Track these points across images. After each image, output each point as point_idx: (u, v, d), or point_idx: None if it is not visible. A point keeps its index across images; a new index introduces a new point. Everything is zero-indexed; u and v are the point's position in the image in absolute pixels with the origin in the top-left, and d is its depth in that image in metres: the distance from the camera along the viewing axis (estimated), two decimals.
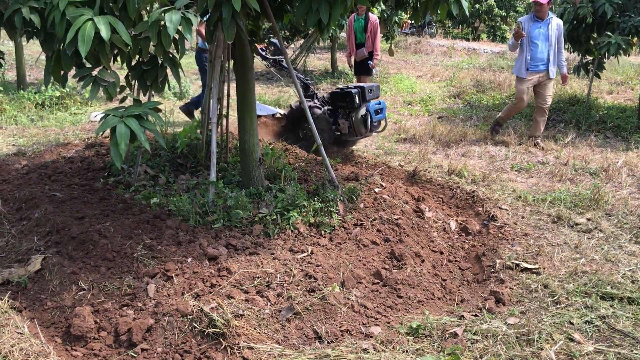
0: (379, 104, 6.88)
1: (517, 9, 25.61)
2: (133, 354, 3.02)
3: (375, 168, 6.31)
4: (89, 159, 6.03)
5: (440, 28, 27.41)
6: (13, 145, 6.89)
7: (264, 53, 7.69)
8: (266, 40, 7.90)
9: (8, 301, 3.35)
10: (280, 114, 7.62)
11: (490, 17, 25.41)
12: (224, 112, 5.55)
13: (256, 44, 6.91)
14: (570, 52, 10.01)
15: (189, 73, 13.75)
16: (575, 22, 8.66)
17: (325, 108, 6.80)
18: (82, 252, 3.87)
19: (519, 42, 7.50)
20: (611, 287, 3.71)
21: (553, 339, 3.12)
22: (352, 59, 9.96)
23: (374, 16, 9.96)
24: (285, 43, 14.20)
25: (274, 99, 10.59)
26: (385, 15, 13.88)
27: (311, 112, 6.49)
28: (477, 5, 25.11)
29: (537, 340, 3.10)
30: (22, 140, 7.08)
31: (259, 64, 15.20)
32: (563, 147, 7.43)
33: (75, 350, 3.07)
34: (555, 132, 8.40)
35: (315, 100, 7.02)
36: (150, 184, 5.12)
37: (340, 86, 6.94)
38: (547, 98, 7.73)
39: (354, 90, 6.64)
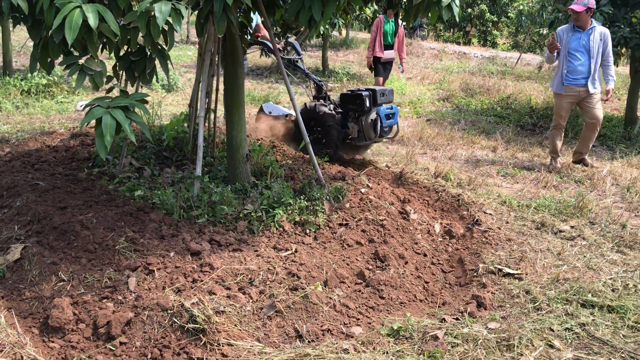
0: (391, 108, 6.58)
1: (509, 14, 25.77)
2: (111, 347, 2.99)
3: (362, 168, 6.30)
4: (73, 148, 5.96)
5: (431, 31, 27.50)
6: None
7: (281, 54, 7.57)
8: (284, 40, 7.62)
9: None
10: (293, 115, 7.32)
11: (481, 21, 25.55)
12: (212, 106, 5.52)
13: (268, 42, 6.84)
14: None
15: (177, 65, 13.68)
16: None
17: (333, 109, 6.59)
18: (63, 242, 3.82)
19: (556, 54, 6.82)
20: (592, 295, 3.74)
21: (533, 345, 3.13)
22: (370, 59, 10.06)
23: (399, 21, 10.04)
24: (276, 40, 14.17)
25: (263, 94, 10.56)
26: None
27: (320, 113, 6.49)
28: (469, 10, 25.24)
29: (517, 346, 3.11)
30: (6, 127, 6.99)
31: (249, 59, 15.15)
32: (549, 154, 7.46)
33: (53, 342, 3.03)
34: (542, 138, 8.45)
35: (326, 102, 6.78)
36: (135, 176, 5.07)
37: (351, 88, 6.68)
38: (595, 113, 6.86)
39: (364, 93, 6.40)
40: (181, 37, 19.68)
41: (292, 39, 7.42)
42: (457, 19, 4.50)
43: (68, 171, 5.25)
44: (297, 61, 7.06)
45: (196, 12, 3.81)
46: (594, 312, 3.57)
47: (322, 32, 12.47)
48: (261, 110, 7.68)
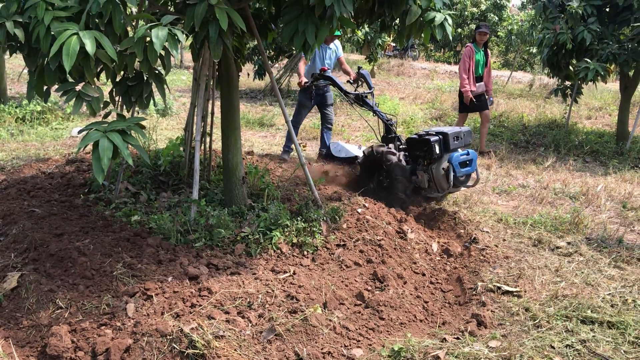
0: (467, 154, 5.59)
1: (498, 33, 26.06)
2: None
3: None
4: (69, 174, 5.95)
5: (422, 51, 27.77)
6: None
7: (352, 87, 6.81)
8: (356, 72, 6.85)
9: None
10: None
11: (471, 41, 25.80)
12: (208, 130, 5.54)
13: (329, 76, 6.52)
14: (550, 77, 10.20)
15: (172, 90, 13.73)
16: (555, 47, 8.83)
17: (401, 155, 5.75)
18: (60, 269, 3.80)
19: None
20: (591, 311, 3.74)
21: None
22: (469, 93, 8.61)
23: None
24: (270, 62, 14.27)
25: (257, 117, 10.60)
26: (369, 37, 14.02)
27: (387, 163, 5.64)
28: (459, 30, 25.53)
29: None
30: (1, 155, 6.98)
31: (243, 82, 15.23)
32: (543, 171, 7.51)
33: None
34: (535, 155, 8.51)
35: (391, 146, 5.96)
36: (131, 201, 5.06)
37: (419, 132, 5.86)
38: None
39: (433, 138, 5.51)
40: (175, 62, 19.79)
41: (363, 70, 6.69)
42: (451, 38, 4.55)
43: (64, 197, 5.24)
44: (366, 96, 6.33)
45: (191, 37, 3.84)
46: (594, 328, 3.57)
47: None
48: (328, 151, 6.96)
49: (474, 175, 5.84)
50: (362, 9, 4.55)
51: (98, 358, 3.04)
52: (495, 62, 27.39)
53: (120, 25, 3.28)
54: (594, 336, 3.47)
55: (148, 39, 3.22)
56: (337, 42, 7.77)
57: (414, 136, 5.75)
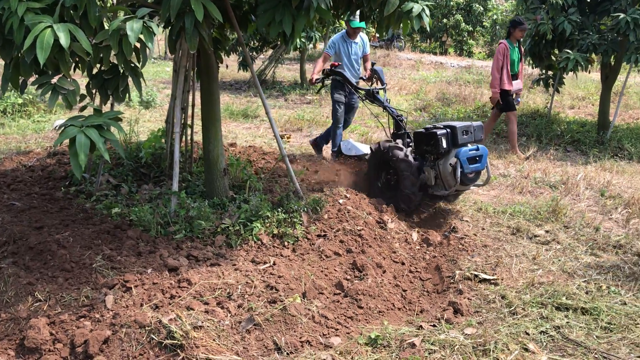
0: (477, 149, 5.25)
1: (484, 23, 26.14)
2: None
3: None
4: (50, 167, 5.93)
5: (408, 42, 27.79)
6: None
7: (369, 83, 6.67)
8: (370, 68, 6.71)
9: None
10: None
11: (457, 31, 25.87)
12: (189, 121, 5.54)
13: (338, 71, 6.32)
14: (532, 67, 10.27)
15: (156, 82, 13.67)
16: (536, 38, 8.88)
17: (409, 150, 5.52)
18: (39, 262, 3.80)
19: None
20: (566, 298, 3.80)
21: (509, 349, 3.18)
22: (498, 94, 8.08)
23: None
24: (254, 54, 14.23)
25: (241, 108, 10.59)
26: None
27: (394, 158, 5.45)
28: (445, 20, 25.56)
29: (493, 351, 3.15)
30: None
31: (227, 73, 15.19)
32: (524, 160, 7.58)
33: None
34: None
35: (400, 142, 5.76)
36: (112, 194, 5.06)
37: (428, 126, 5.56)
38: None
39: (440, 132, 5.22)
40: (159, 54, 19.68)
41: (377, 67, 6.58)
42: (429, 28, 4.58)
43: (45, 190, 5.22)
44: (377, 92, 6.17)
45: (169, 29, 3.84)
46: (568, 315, 3.64)
47: (299, 46, 12.55)
48: (339, 149, 6.82)
49: (484, 173, 5.49)
50: None
51: (77, 350, 3.05)
52: (480, 52, 27.48)
53: (95, 17, 3.27)
54: (567, 322, 3.53)
55: (123, 31, 3.21)
56: (364, 36, 7.41)
57: (421, 130, 5.49)
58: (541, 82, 9.97)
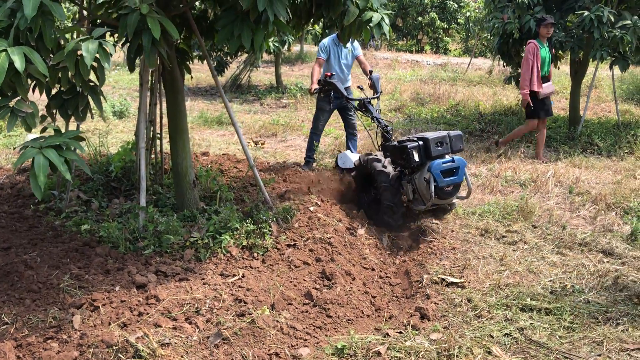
0: (452, 161, 5.03)
1: (459, 20, 26.33)
2: None
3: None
4: (19, 184, 5.89)
5: (384, 41, 27.89)
6: None
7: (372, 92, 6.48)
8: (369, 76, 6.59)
9: None
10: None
11: (432, 29, 26.04)
12: (158, 133, 5.53)
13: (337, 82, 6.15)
14: (503, 66, 10.38)
15: (130, 90, 13.59)
16: (504, 36, 8.98)
17: (387, 161, 5.40)
18: (6, 284, 3.79)
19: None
20: (531, 299, 3.87)
21: (472, 354, 3.24)
22: (527, 96, 7.69)
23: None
24: (228, 58, 14.21)
25: (215, 115, 10.58)
26: (326, 30, 14.05)
27: (370, 166, 5.39)
28: (420, 18, 25.71)
29: (457, 356, 3.21)
30: None
31: (203, 78, 15.15)
32: (495, 159, 7.67)
33: None
34: (489, 144, 8.67)
35: (380, 154, 5.58)
36: (82, 210, 5.05)
37: (401, 138, 5.40)
38: None
39: (410, 145, 5.01)
40: (108, 64, 19.49)
41: (374, 74, 6.46)
42: (388, 37, 4.63)
43: (13, 209, 5.19)
44: (369, 101, 6.01)
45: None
46: (532, 316, 3.71)
47: (272, 50, 12.56)
48: (336, 162, 6.60)
49: (465, 186, 5.30)
50: (301, 10, 4.60)
51: None
52: (456, 49, 27.69)
53: (51, 39, 3.27)
54: (531, 323, 3.60)
55: (79, 52, 3.22)
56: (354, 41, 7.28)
57: (394, 143, 5.28)
58: (512, 80, 10.08)
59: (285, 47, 13.63)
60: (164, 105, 5.37)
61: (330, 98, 6.76)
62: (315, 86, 6.74)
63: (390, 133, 5.61)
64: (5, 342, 3.19)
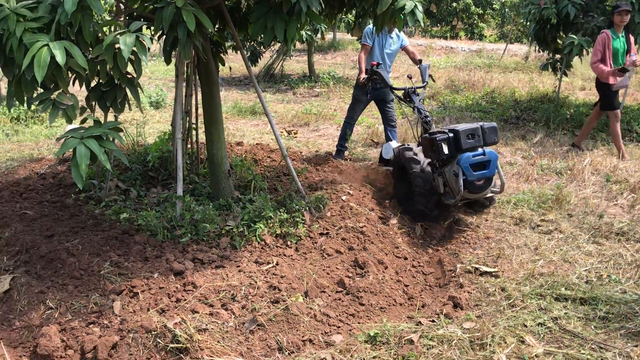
0: (483, 154, 4.85)
1: (494, 6, 25.88)
2: None
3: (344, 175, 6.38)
4: (61, 174, 6.07)
5: (418, 28, 27.59)
6: None
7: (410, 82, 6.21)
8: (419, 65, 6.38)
9: None
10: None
11: (467, 15, 25.66)
12: (194, 124, 5.63)
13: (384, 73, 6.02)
14: (539, 52, 10.20)
15: (166, 81, 13.79)
16: (541, 22, 8.82)
17: (426, 163, 5.23)
18: (50, 270, 3.93)
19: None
20: (565, 289, 3.84)
21: (505, 342, 3.24)
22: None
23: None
24: (261, 48, 14.28)
25: (249, 105, 10.67)
26: (359, 19, 13.99)
27: (402, 160, 5.35)
28: (454, 4, 25.34)
29: (489, 344, 3.21)
30: None
31: (237, 69, 15.27)
32: (531, 147, 7.57)
33: None
34: (525, 131, 8.56)
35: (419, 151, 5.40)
36: (121, 199, 5.18)
37: (433, 129, 5.23)
38: None
39: (440, 137, 4.90)
40: (145, 57, 19.73)
41: (423, 64, 6.30)
42: (422, 24, 4.60)
43: (55, 198, 5.36)
44: (414, 91, 5.84)
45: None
46: (567, 306, 3.68)
47: (305, 39, 12.57)
48: (381, 154, 6.45)
49: (497, 180, 5.11)
50: (333, 0, 4.61)
51: (86, 356, 3.18)
52: (492, 34, 27.23)
53: (89, 33, 3.36)
54: (566, 313, 3.58)
55: (117, 45, 3.31)
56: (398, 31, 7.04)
57: (425, 135, 5.15)
58: (549, 67, 9.91)
59: (318, 35, 13.63)
60: (199, 96, 5.46)
61: (368, 89, 6.65)
62: (364, 76, 6.56)
63: (429, 124, 5.47)
64: (51, 326, 3.33)
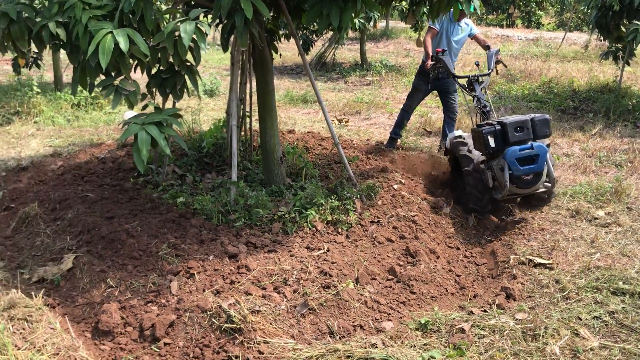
0: (530, 148, 4.65)
1: None
2: (156, 348, 3.21)
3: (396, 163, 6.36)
4: (120, 159, 6.28)
5: (473, 15, 27.05)
6: (50, 146, 7.20)
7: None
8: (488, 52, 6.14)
9: (42, 298, 3.59)
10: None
11: (524, 2, 24.99)
12: (248, 112, 5.72)
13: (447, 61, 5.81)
14: (600, 40, 9.86)
15: (219, 69, 14.01)
16: (603, 9, 8.52)
17: (479, 160, 5.09)
18: (110, 251, 4.10)
19: None
20: (623, 283, 3.75)
21: (559, 334, 3.20)
22: None
23: None
24: (314, 36, 14.31)
25: (301, 94, 10.73)
26: (413, 7, 13.82)
27: (458, 151, 5.23)
28: None
29: (542, 336, 3.18)
30: (59, 141, 7.39)
31: (289, 57, 15.37)
32: (589, 138, 7.36)
33: (103, 345, 3.28)
34: (583, 122, 8.32)
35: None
36: (177, 184, 5.33)
37: (482, 122, 5.09)
38: None
39: (485, 129, 4.78)
40: (204, 44, 19.99)
41: (491, 50, 6.00)
42: (479, 12, 4.53)
43: (115, 182, 5.55)
44: (477, 79, 5.63)
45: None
46: (624, 300, 3.59)
47: (357, 27, 12.51)
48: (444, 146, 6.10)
49: (546, 175, 4.81)
50: None
51: (145, 333, 3.31)
52: (550, 23, 26.44)
53: (151, 21, 3.47)
54: (623, 307, 3.49)
55: (177, 33, 3.40)
56: (469, 21, 6.83)
57: (474, 127, 5.00)
58: (610, 56, 9.57)
59: (371, 23, 13.54)
60: (253, 84, 5.54)
61: (430, 78, 6.47)
62: (431, 62, 6.29)
63: (489, 114, 5.24)
64: (111, 303, 3.48)
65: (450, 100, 6.92)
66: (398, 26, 23.72)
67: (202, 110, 9.20)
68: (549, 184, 4.88)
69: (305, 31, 13.54)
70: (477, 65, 6.15)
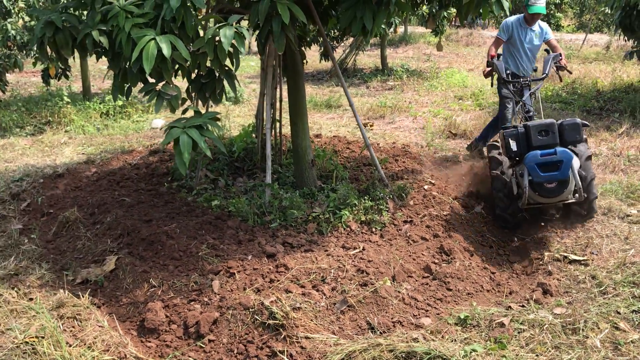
0: (553, 153, 4.32)
1: None
2: (201, 345, 3.30)
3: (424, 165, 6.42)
4: (153, 165, 6.41)
5: (492, 19, 26.99)
6: (83, 153, 7.37)
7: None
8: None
9: (88, 298, 3.70)
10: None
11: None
12: (277, 116, 5.82)
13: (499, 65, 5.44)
14: (624, 41, 9.82)
15: (241, 77, 14.16)
16: (627, 8, 8.51)
17: (507, 165, 4.88)
18: (151, 252, 4.20)
19: None
20: None
21: (599, 328, 3.22)
22: None
23: None
24: (335, 43, 14.43)
25: (324, 99, 10.82)
26: (433, 10, 13.86)
27: (491, 163, 4.98)
28: None
29: (582, 329, 3.21)
30: (91, 149, 7.56)
31: (309, 64, 15.49)
32: (617, 138, 7.34)
33: (150, 342, 3.38)
34: (609, 122, 8.29)
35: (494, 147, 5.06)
36: (210, 187, 5.44)
37: (507, 124, 4.89)
38: None
39: (507, 132, 4.62)
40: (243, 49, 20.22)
41: (550, 54, 5.57)
42: (508, 13, 4.58)
43: (150, 186, 5.68)
44: (527, 84, 5.36)
45: (257, 32, 4.10)
46: None
47: (379, 33, 12.60)
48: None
49: (573, 185, 4.43)
50: None
51: (189, 330, 3.40)
52: (569, 25, 26.31)
53: (191, 27, 3.58)
54: None
55: (217, 38, 3.50)
56: (543, 24, 6.35)
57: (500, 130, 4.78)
58: (634, 55, 9.53)
59: (391, 29, 13.62)
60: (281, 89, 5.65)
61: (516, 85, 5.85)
62: (488, 69, 5.95)
63: (531, 119, 4.98)
64: (155, 302, 3.58)
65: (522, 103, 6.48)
66: (416, 31, 23.79)
67: (228, 117, 9.33)
68: (578, 196, 4.47)
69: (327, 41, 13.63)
70: (535, 70, 5.92)
